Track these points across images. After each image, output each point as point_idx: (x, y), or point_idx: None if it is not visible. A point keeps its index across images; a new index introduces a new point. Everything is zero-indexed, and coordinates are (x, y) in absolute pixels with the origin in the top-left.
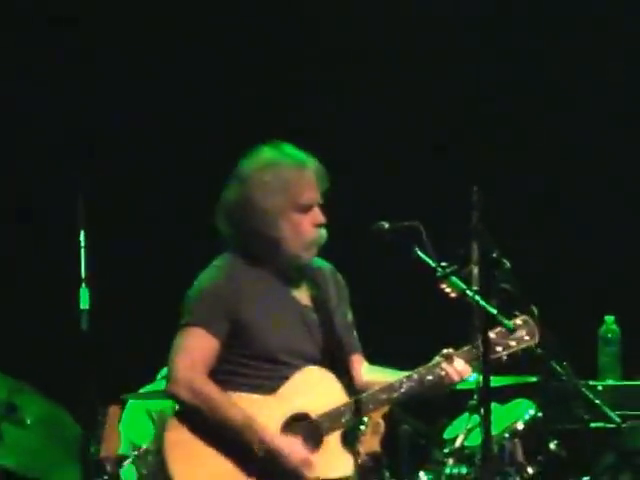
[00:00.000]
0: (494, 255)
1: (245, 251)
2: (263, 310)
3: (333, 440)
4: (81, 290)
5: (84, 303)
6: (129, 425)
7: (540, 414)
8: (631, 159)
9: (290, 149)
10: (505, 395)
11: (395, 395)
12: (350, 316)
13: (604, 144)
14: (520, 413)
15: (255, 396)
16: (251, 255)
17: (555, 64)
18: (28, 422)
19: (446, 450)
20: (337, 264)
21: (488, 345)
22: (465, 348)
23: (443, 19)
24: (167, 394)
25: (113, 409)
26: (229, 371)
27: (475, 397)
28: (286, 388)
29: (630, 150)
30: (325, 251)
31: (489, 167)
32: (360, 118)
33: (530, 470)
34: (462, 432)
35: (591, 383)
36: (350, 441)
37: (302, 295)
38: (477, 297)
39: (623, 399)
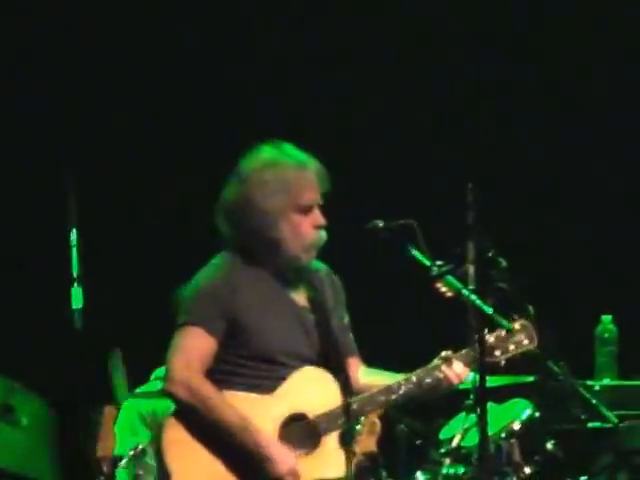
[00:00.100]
0: (490, 254)
1: (243, 251)
2: (260, 310)
3: (331, 440)
4: (73, 289)
5: (77, 302)
6: (122, 426)
7: (537, 414)
8: (631, 159)
9: (291, 149)
10: (502, 395)
11: (393, 397)
12: (347, 318)
13: (604, 144)
14: (517, 413)
15: (253, 395)
16: (249, 255)
17: (555, 64)
18: (23, 423)
19: (443, 450)
20: (331, 263)
21: (484, 344)
22: (464, 351)
23: (443, 18)
24: (164, 393)
25: (109, 409)
26: (226, 371)
27: (471, 397)
28: (284, 388)
29: (630, 150)
30: (320, 250)
31: (486, 165)
32: (358, 117)
33: (527, 470)
34: (459, 432)
35: (588, 383)
36: (346, 441)
37: (299, 296)
38: (473, 296)
39: (620, 399)
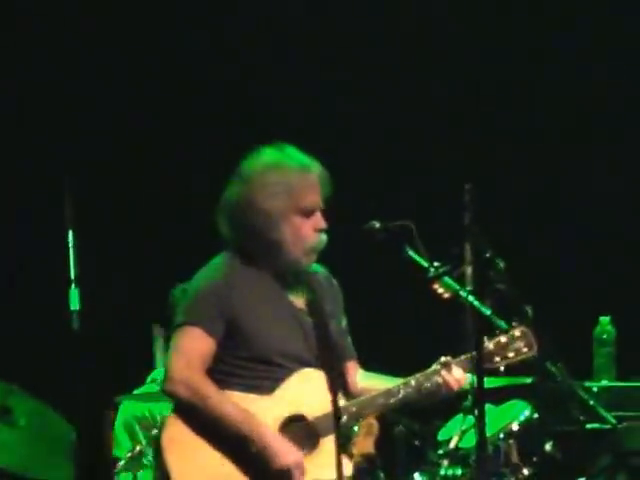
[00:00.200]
0: (488, 255)
1: (243, 252)
2: (259, 312)
3: (329, 442)
4: (71, 291)
5: (74, 304)
6: (119, 428)
7: (535, 415)
8: (630, 160)
9: (294, 152)
10: (500, 396)
11: (392, 401)
12: (345, 322)
13: (603, 145)
14: (515, 414)
15: (252, 396)
16: (249, 256)
17: (555, 64)
18: (21, 424)
19: (441, 451)
20: (328, 264)
21: (481, 345)
22: (463, 357)
23: (443, 18)
24: (164, 393)
25: (106, 411)
26: (225, 371)
27: (469, 398)
28: (283, 389)
29: (629, 151)
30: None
31: (484, 166)
32: (356, 117)
33: (525, 471)
34: (457, 433)
35: (586, 384)
36: (343, 443)
37: (298, 299)
38: (471, 298)
39: (618, 400)
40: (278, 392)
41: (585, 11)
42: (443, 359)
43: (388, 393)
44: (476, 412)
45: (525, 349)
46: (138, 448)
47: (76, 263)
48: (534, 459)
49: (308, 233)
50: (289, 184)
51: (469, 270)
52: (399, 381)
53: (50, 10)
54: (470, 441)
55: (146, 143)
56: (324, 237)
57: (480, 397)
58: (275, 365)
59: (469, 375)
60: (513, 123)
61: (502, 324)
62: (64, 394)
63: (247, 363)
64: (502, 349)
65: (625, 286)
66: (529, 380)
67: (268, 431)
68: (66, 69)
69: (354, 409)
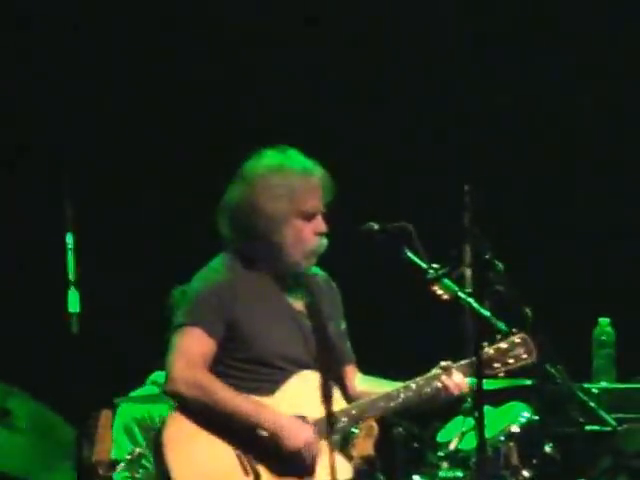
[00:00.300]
0: (487, 256)
1: (243, 253)
2: (259, 314)
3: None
4: (70, 293)
5: (73, 306)
6: (118, 430)
7: (535, 417)
8: (630, 160)
9: (297, 155)
10: (500, 398)
11: (392, 404)
12: (344, 325)
13: (604, 145)
14: (515, 416)
15: (252, 397)
16: (249, 258)
17: (555, 64)
18: (21, 426)
19: (440, 453)
20: (327, 265)
21: (481, 348)
22: (464, 362)
23: (441, 18)
24: (167, 394)
25: (105, 413)
26: (224, 373)
27: (469, 400)
28: (283, 391)
29: (629, 151)
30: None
31: (483, 166)
32: (356, 118)
33: (525, 473)
34: (456, 435)
35: (586, 386)
36: (342, 445)
37: (297, 301)
38: (470, 299)
39: (618, 401)
40: (278, 394)
41: (584, 12)
42: (443, 363)
43: (388, 397)
44: (476, 414)
45: (525, 356)
46: (137, 450)
47: (75, 265)
48: (534, 461)
49: (309, 236)
50: (291, 187)
51: (468, 272)
52: (398, 385)
53: (50, 10)
54: (470, 443)
55: (146, 144)
56: (324, 241)
57: (480, 399)
58: (274, 367)
59: (469, 380)
60: (513, 123)
61: (501, 326)
62: (63, 397)
63: (246, 365)
64: (502, 355)
65: (624, 287)
66: (529, 382)
67: (278, 416)
68: (66, 69)
69: (354, 412)
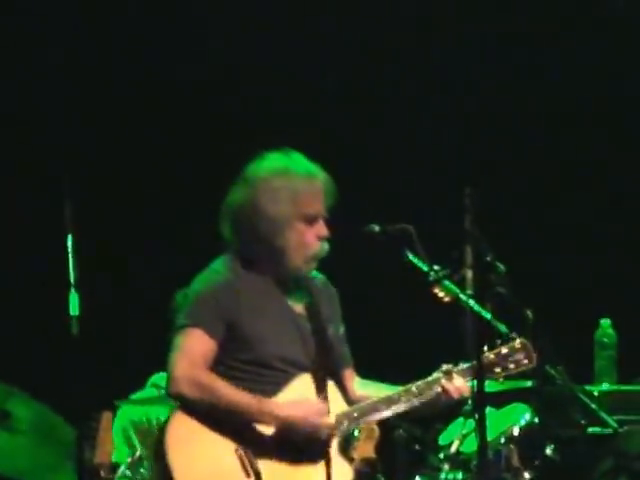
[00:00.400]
0: (488, 258)
1: (244, 255)
2: (259, 316)
3: (331, 447)
4: (70, 296)
5: (74, 309)
6: (117, 433)
7: (536, 419)
8: (630, 160)
9: (300, 158)
10: (501, 400)
11: (393, 408)
12: (342, 329)
13: (604, 145)
14: (516, 418)
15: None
16: (250, 260)
17: (555, 65)
18: (21, 428)
19: (442, 455)
20: (327, 266)
21: (481, 351)
22: (465, 366)
23: (443, 18)
24: (170, 395)
25: (106, 415)
26: (225, 374)
27: (470, 402)
28: (285, 393)
29: (630, 151)
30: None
31: (483, 168)
32: (356, 119)
33: (526, 475)
34: (458, 437)
35: (587, 387)
36: (344, 447)
37: (297, 304)
38: (471, 301)
39: (619, 403)
40: (281, 395)
41: (584, 12)
42: (445, 367)
43: (389, 400)
44: (477, 416)
45: (525, 361)
46: (138, 453)
47: (75, 268)
48: (535, 463)
49: (311, 240)
50: (294, 190)
51: (469, 274)
52: (396, 389)
53: (50, 10)
54: (471, 445)
55: (147, 145)
56: (326, 245)
57: (481, 401)
58: (275, 369)
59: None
60: (513, 124)
61: (503, 328)
62: (63, 399)
63: (248, 366)
64: (503, 360)
65: (626, 289)
66: (530, 384)
67: (282, 404)
68: (66, 69)
69: (355, 414)
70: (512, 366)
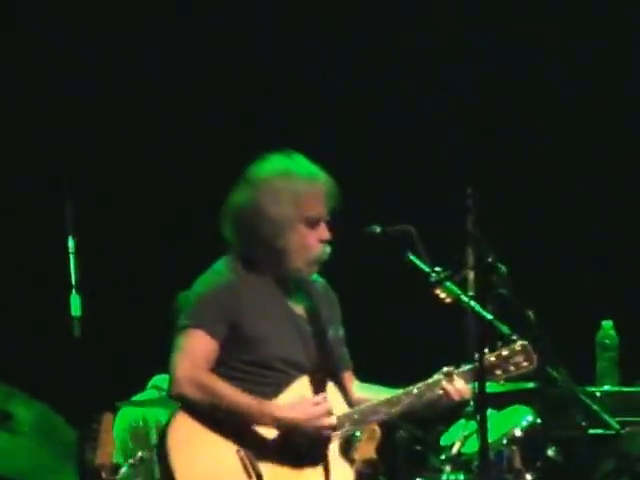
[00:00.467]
0: (490, 260)
1: (246, 257)
2: (260, 317)
3: (332, 449)
4: (72, 297)
5: (75, 310)
6: (117, 434)
7: (538, 420)
8: (631, 160)
9: (303, 160)
10: (502, 401)
11: (394, 410)
12: (342, 332)
13: (603, 146)
14: (518, 419)
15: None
16: (252, 261)
17: (555, 65)
18: (23, 429)
19: (443, 457)
20: (327, 267)
21: (482, 352)
22: (466, 368)
23: (443, 18)
24: (172, 397)
25: (107, 416)
26: (226, 374)
27: (472, 403)
28: (286, 394)
29: (631, 150)
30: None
31: (484, 169)
32: (356, 119)
33: (528, 477)
34: (459, 439)
35: (589, 389)
36: (345, 449)
37: (297, 306)
38: (473, 303)
39: (621, 405)
40: (282, 397)
41: (584, 12)
42: (445, 369)
43: (390, 402)
44: (478, 417)
45: (525, 363)
46: (139, 454)
47: (77, 269)
48: (537, 464)
49: (313, 243)
50: (296, 192)
51: (471, 275)
52: (397, 391)
53: (50, 10)
54: (472, 446)
55: (148, 147)
56: (327, 248)
57: (482, 402)
58: (276, 370)
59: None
60: (513, 124)
61: (504, 329)
62: (65, 400)
63: (249, 367)
64: (504, 362)
65: (627, 290)
66: (531, 385)
67: (282, 407)
68: (66, 69)
69: (356, 416)
70: (513, 368)
